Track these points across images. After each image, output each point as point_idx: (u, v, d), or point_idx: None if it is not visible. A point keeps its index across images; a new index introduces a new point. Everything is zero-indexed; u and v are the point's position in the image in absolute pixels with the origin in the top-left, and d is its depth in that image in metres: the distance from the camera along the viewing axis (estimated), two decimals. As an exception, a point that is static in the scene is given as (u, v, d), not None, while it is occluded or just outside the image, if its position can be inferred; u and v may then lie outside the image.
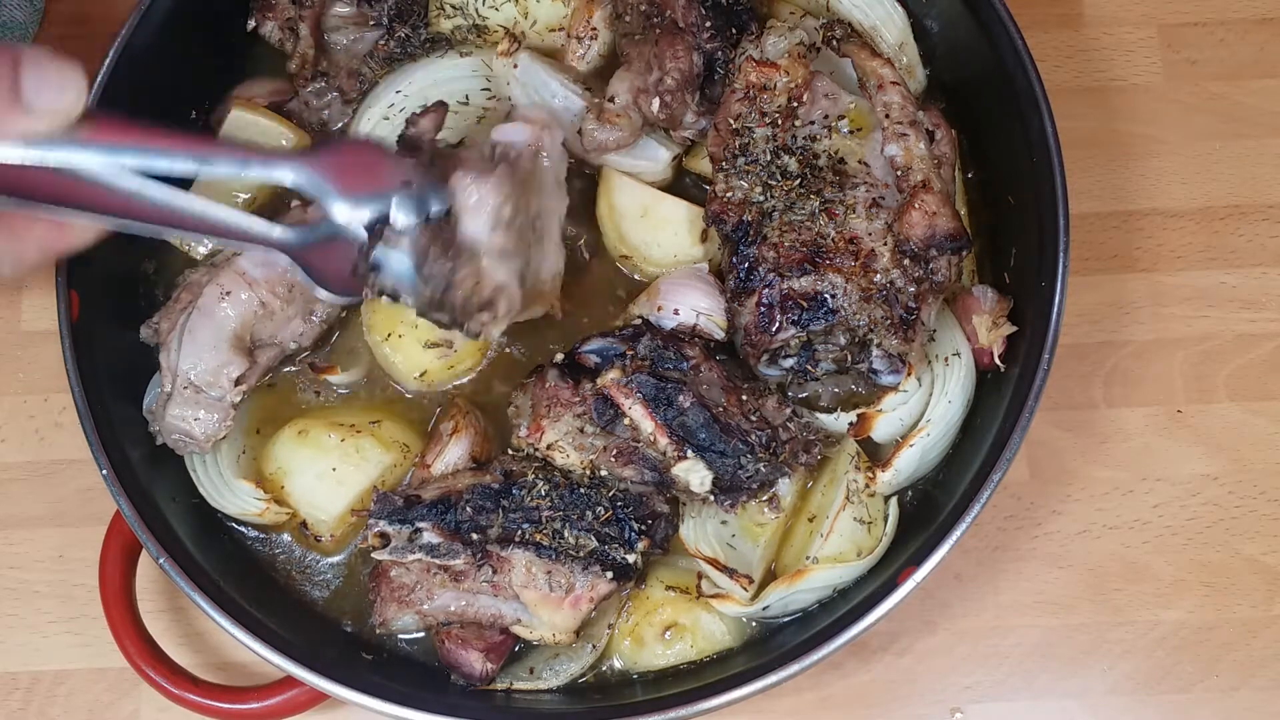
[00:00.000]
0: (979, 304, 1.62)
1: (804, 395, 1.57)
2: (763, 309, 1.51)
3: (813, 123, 1.57)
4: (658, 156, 1.69)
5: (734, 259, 1.54)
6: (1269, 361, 1.79)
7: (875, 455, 1.62)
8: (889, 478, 1.59)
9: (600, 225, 1.72)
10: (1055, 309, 1.52)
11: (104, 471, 1.53)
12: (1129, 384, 1.78)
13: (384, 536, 1.52)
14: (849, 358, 1.52)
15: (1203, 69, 1.88)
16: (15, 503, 1.77)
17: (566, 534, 1.52)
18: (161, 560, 1.52)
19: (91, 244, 1.36)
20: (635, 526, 1.53)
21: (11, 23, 1.83)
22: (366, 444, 1.62)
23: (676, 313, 1.62)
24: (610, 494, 1.55)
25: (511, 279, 1.44)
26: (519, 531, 1.52)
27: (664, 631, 1.60)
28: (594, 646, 1.60)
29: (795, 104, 1.58)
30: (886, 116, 1.55)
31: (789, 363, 1.53)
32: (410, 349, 1.67)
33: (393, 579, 1.55)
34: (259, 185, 1.68)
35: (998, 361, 1.60)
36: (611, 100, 1.62)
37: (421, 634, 1.63)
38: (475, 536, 1.52)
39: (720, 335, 1.62)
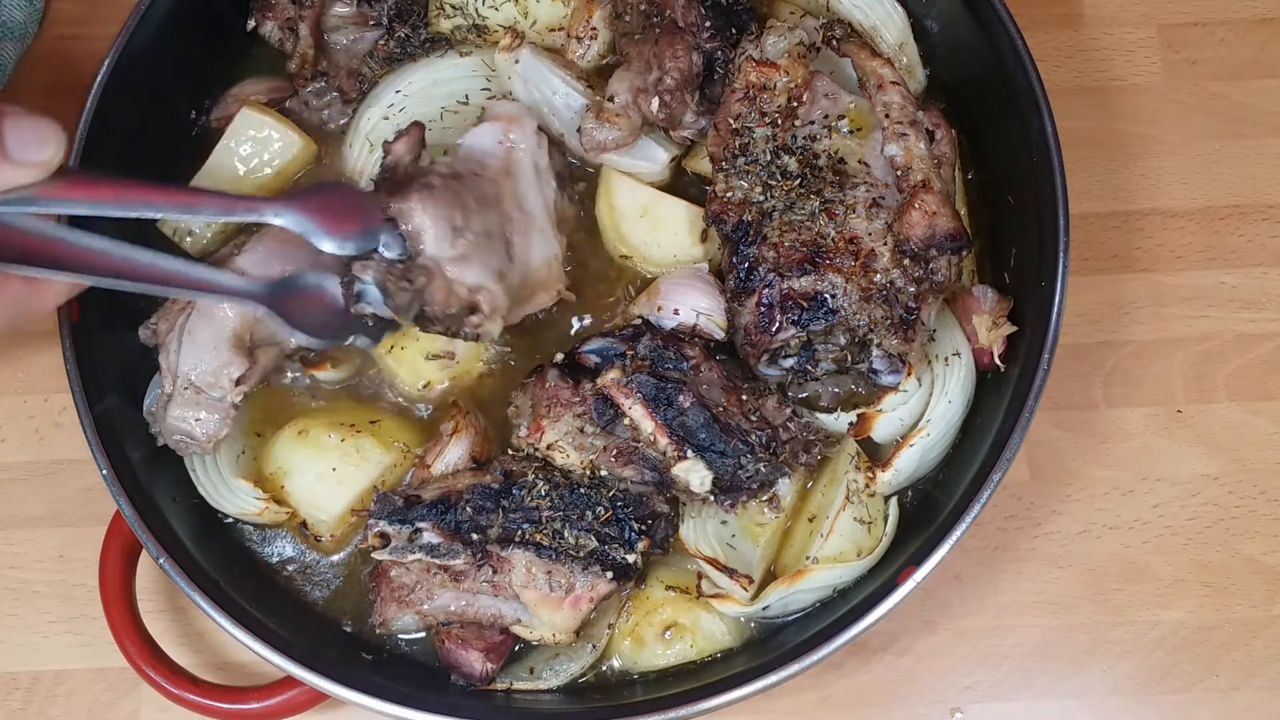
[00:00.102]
0: (979, 304, 1.62)
1: (804, 395, 1.57)
2: (763, 309, 1.51)
3: (813, 123, 1.57)
4: (657, 157, 1.69)
5: (734, 259, 1.54)
6: (1269, 361, 1.79)
7: (875, 455, 1.62)
8: (889, 478, 1.59)
9: (600, 225, 1.72)
10: (1055, 309, 1.52)
11: (104, 471, 1.53)
12: (1129, 384, 1.78)
13: (384, 536, 1.52)
14: (849, 358, 1.52)
15: (1203, 69, 1.88)
16: (15, 503, 1.77)
17: (566, 534, 1.52)
18: (161, 560, 1.52)
19: (63, 303, 1.45)
20: (635, 526, 1.53)
21: (11, 23, 1.83)
22: (366, 444, 1.62)
23: (676, 313, 1.62)
24: (610, 494, 1.55)
25: (485, 278, 1.48)
26: (519, 531, 1.52)
27: (664, 631, 1.60)
28: (594, 646, 1.60)
29: (795, 104, 1.58)
30: (886, 116, 1.55)
31: (789, 363, 1.53)
32: (413, 361, 1.67)
33: (393, 579, 1.55)
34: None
35: (998, 361, 1.60)
36: (611, 100, 1.62)
37: (421, 634, 1.63)
38: (475, 536, 1.52)
39: (720, 335, 1.62)
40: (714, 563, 1.57)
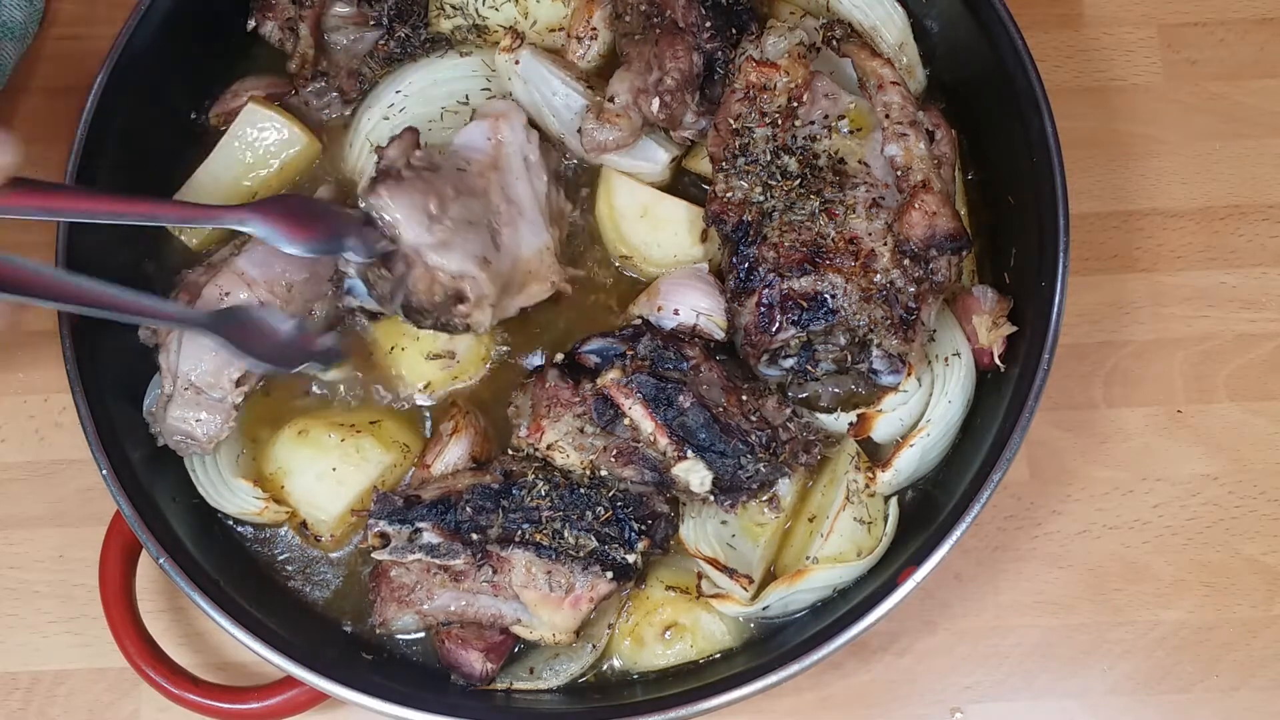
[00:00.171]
0: (979, 304, 1.62)
1: (804, 395, 1.57)
2: (763, 309, 1.51)
3: (813, 123, 1.57)
4: (657, 157, 1.69)
5: (734, 259, 1.54)
6: (1269, 361, 1.79)
7: (875, 455, 1.62)
8: (889, 478, 1.59)
9: (600, 225, 1.72)
10: (1055, 309, 1.52)
11: (104, 472, 1.53)
12: (1129, 384, 1.78)
13: (384, 536, 1.52)
14: (849, 358, 1.52)
15: (1203, 69, 1.88)
16: (15, 503, 1.77)
17: (566, 534, 1.52)
18: (161, 560, 1.52)
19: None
20: (635, 526, 1.53)
21: (11, 22, 1.83)
22: (366, 444, 1.62)
23: (676, 313, 1.62)
24: (610, 494, 1.55)
25: (467, 265, 1.49)
26: (519, 531, 1.52)
27: (664, 631, 1.60)
28: (594, 646, 1.60)
29: (795, 104, 1.58)
30: (886, 116, 1.55)
31: (789, 363, 1.53)
32: (413, 361, 1.67)
33: (393, 579, 1.55)
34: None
35: (998, 361, 1.60)
36: (611, 100, 1.62)
37: (421, 634, 1.63)
38: (475, 536, 1.52)
39: (720, 335, 1.62)
40: (714, 563, 1.57)
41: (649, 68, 1.62)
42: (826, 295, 1.49)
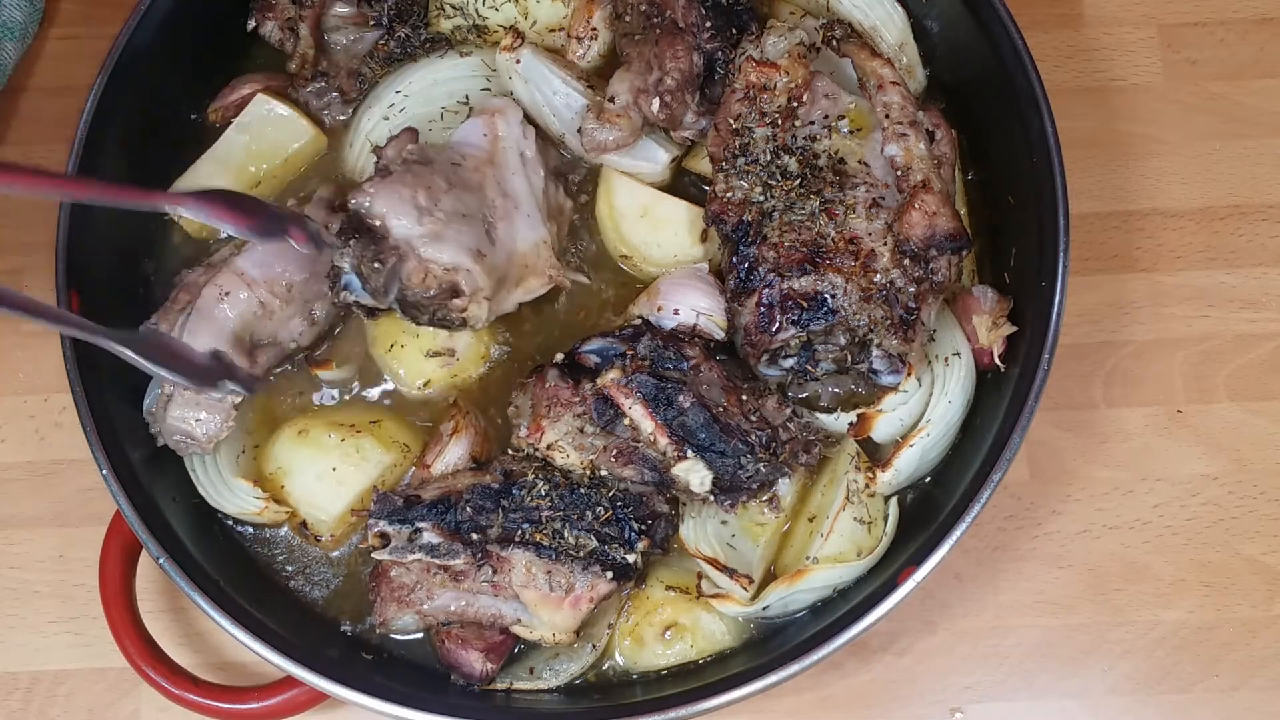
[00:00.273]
0: (979, 304, 1.62)
1: (804, 395, 1.57)
2: (763, 309, 1.51)
3: (813, 123, 1.57)
4: (657, 157, 1.69)
5: (734, 259, 1.54)
6: (1269, 361, 1.79)
7: (875, 455, 1.62)
8: (889, 478, 1.59)
9: (600, 225, 1.72)
10: (1055, 309, 1.52)
11: (104, 471, 1.53)
12: (1129, 384, 1.78)
13: (384, 536, 1.52)
14: (849, 358, 1.52)
15: (1203, 69, 1.88)
16: (15, 503, 1.77)
17: (566, 534, 1.52)
18: (161, 560, 1.52)
19: None
20: (635, 526, 1.53)
21: (11, 22, 1.83)
22: (366, 444, 1.62)
23: (676, 313, 1.62)
24: (610, 494, 1.55)
25: (461, 257, 1.49)
26: (519, 531, 1.52)
27: (664, 631, 1.60)
28: (594, 646, 1.60)
29: (795, 104, 1.58)
30: (886, 116, 1.55)
31: (789, 363, 1.53)
32: (413, 359, 1.67)
33: (393, 579, 1.55)
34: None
35: (998, 361, 1.60)
36: (611, 100, 1.62)
37: (421, 634, 1.62)
38: (475, 536, 1.52)
39: (720, 335, 1.62)
40: (714, 563, 1.57)
41: (649, 68, 1.62)
42: (826, 295, 1.49)
